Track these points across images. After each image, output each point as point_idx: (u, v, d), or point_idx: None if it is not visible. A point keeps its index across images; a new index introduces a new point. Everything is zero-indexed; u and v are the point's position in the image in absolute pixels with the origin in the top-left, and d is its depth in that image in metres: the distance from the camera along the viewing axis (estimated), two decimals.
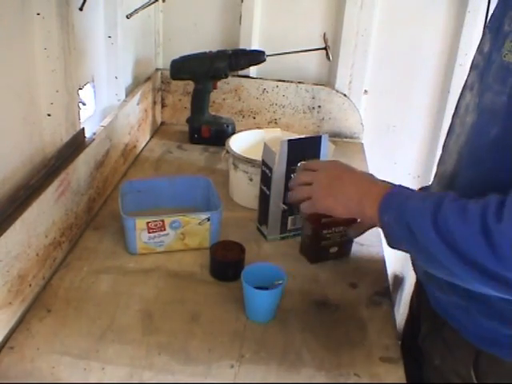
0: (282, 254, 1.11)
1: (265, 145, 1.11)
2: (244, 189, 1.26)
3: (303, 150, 1.09)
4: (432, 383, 0.93)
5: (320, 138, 1.10)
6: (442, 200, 0.71)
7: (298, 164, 1.06)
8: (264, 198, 1.13)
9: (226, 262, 1.02)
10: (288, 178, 1.08)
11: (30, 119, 0.99)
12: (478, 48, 0.82)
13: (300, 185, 0.94)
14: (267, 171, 1.10)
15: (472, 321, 0.81)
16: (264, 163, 1.11)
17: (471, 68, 0.84)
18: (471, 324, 0.82)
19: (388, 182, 0.85)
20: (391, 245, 0.79)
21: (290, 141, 1.06)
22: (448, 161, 0.86)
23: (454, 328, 0.85)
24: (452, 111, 0.91)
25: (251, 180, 1.23)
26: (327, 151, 1.11)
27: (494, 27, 0.77)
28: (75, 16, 1.08)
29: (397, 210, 0.76)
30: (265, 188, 1.12)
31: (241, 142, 1.30)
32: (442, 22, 1.61)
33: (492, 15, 0.80)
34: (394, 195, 0.79)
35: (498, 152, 0.72)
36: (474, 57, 0.84)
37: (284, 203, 1.11)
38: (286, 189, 1.07)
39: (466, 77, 0.87)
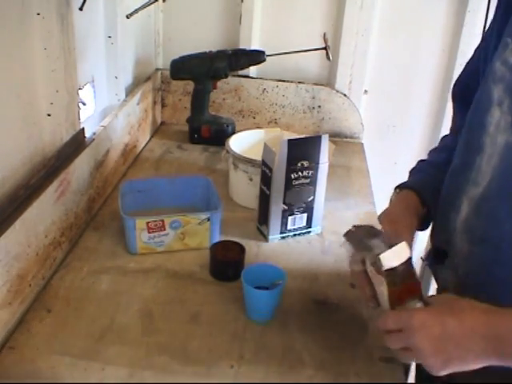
0: (282, 253, 1.11)
1: (265, 145, 1.11)
2: (244, 189, 1.26)
3: (303, 149, 1.09)
4: None
5: (320, 137, 1.10)
6: None
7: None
8: (264, 198, 1.13)
9: (226, 262, 1.02)
10: (288, 178, 1.09)
11: (30, 119, 0.99)
12: (500, 59, 0.76)
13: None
14: (267, 171, 1.10)
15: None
16: (264, 163, 1.12)
17: (494, 80, 0.77)
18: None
19: (492, 309, 0.72)
20: None
21: (289, 141, 1.06)
22: (481, 181, 0.79)
23: None
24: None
25: (251, 180, 1.23)
26: (327, 151, 1.11)
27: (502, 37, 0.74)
28: (75, 16, 1.08)
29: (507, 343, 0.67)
30: (265, 188, 1.12)
31: (241, 142, 1.30)
32: (441, 21, 1.61)
33: None
34: (492, 324, 0.69)
35: None
36: (496, 67, 0.77)
37: (284, 203, 1.11)
38: (286, 188, 1.10)
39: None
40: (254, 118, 1.71)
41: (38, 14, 0.95)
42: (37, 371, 0.80)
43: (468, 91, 0.89)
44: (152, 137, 1.64)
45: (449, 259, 0.87)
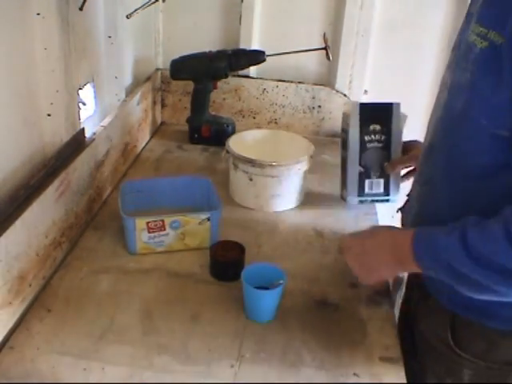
0: (282, 253, 1.11)
1: (343, 113, 1.23)
2: (244, 189, 1.26)
3: (375, 114, 1.22)
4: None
5: (392, 105, 1.23)
6: (464, 231, 0.75)
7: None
8: (343, 163, 1.24)
9: (225, 262, 1.02)
10: (362, 140, 1.21)
11: (30, 119, 0.99)
12: (460, 29, 0.88)
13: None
14: (344, 135, 1.22)
15: (448, 289, 0.85)
16: (342, 129, 1.24)
17: (453, 48, 0.89)
18: (447, 292, 0.87)
19: (402, 229, 0.92)
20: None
21: (361, 104, 1.21)
22: (428, 135, 0.93)
23: (436, 298, 0.91)
24: None
25: (251, 180, 1.23)
26: (399, 120, 1.23)
27: (468, 10, 0.84)
28: (75, 16, 1.08)
29: (431, 253, 0.79)
30: (343, 151, 1.23)
31: (241, 142, 1.30)
32: (441, 21, 1.61)
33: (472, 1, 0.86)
34: (419, 238, 0.81)
35: (463, 124, 0.80)
36: (458, 38, 0.88)
37: (360, 165, 1.22)
38: (361, 151, 1.21)
39: None
40: (254, 118, 1.71)
41: (38, 14, 0.95)
42: (37, 371, 0.80)
43: None
44: (152, 137, 1.64)
45: (408, 203, 1.03)
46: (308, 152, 1.26)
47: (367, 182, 1.22)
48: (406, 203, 1.07)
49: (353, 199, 1.24)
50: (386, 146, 1.21)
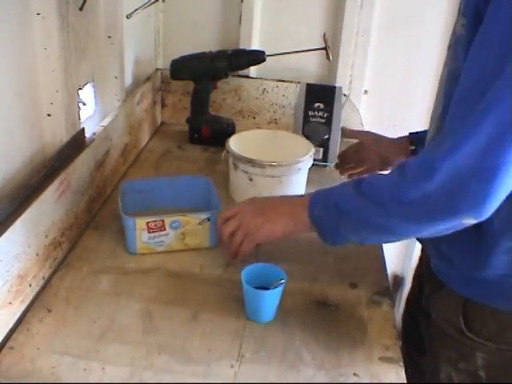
0: (282, 253, 1.11)
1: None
2: (244, 189, 1.26)
3: (320, 95, 1.45)
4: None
5: (335, 87, 1.47)
6: (361, 178, 0.86)
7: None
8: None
9: None
10: (306, 114, 1.46)
11: (31, 119, 0.99)
12: (453, 29, 0.90)
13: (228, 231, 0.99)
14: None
15: (457, 273, 0.90)
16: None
17: (447, 47, 0.93)
18: (457, 276, 0.91)
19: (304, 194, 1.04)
20: (326, 239, 0.90)
21: (308, 84, 1.46)
22: (430, 132, 0.96)
23: (444, 282, 0.93)
24: None
25: (251, 180, 1.23)
26: (341, 101, 1.43)
27: (460, 7, 0.85)
28: (75, 16, 1.08)
29: (323, 199, 0.89)
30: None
31: (241, 142, 1.30)
32: (441, 21, 1.61)
33: None
34: (319, 192, 0.92)
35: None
36: (451, 38, 0.91)
37: (303, 134, 1.46)
38: (305, 122, 1.46)
39: None
40: (254, 118, 1.71)
41: (38, 14, 0.95)
42: (37, 371, 0.80)
43: None
44: (152, 137, 1.64)
45: None
46: (308, 152, 1.27)
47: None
48: None
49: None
50: (327, 122, 1.46)
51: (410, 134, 1.23)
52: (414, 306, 1.14)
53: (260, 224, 0.95)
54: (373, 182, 0.85)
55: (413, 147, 1.19)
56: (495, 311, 0.88)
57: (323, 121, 1.45)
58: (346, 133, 1.35)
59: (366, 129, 1.69)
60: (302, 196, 0.99)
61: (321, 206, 0.89)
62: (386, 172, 0.89)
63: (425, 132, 1.14)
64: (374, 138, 1.29)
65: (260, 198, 1.02)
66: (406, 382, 0.84)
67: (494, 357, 0.92)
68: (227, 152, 1.27)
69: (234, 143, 1.28)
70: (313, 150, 1.29)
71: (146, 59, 1.64)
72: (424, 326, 1.06)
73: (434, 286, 0.97)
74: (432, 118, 0.96)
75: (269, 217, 0.95)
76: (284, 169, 1.23)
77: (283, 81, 1.67)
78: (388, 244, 1.16)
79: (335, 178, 1.35)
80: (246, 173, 1.24)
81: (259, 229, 0.95)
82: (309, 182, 1.31)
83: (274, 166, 1.22)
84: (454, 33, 0.87)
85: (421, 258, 1.17)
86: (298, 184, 1.28)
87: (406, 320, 1.22)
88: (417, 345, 1.10)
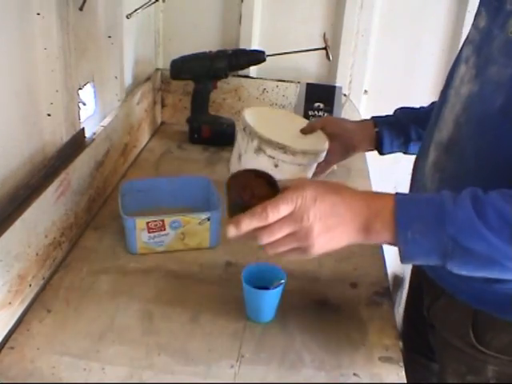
0: None
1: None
2: None
3: (320, 94, 1.44)
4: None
5: (335, 87, 1.48)
6: (477, 197, 0.69)
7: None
8: None
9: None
10: (306, 114, 1.46)
11: (30, 119, 0.99)
12: (474, 23, 0.86)
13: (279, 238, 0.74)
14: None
15: (466, 284, 0.83)
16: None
17: (466, 42, 0.87)
18: (465, 287, 0.85)
19: (379, 193, 0.77)
20: (408, 261, 0.72)
21: (308, 83, 1.46)
22: (444, 128, 0.87)
23: (450, 293, 0.89)
24: None
25: (276, 166, 1.12)
26: (340, 101, 1.44)
27: (491, 6, 0.81)
28: (75, 16, 1.08)
29: (424, 221, 0.69)
30: None
31: (260, 123, 1.14)
32: (441, 22, 1.61)
33: None
34: (408, 205, 0.72)
35: (503, 120, 0.76)
36: (470, 32, 0.87)
37: None
38: None
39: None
40: None
41: (38, 14, 0.95)
42: (37, 371, 0.80)
43: None
44: (152, 137, 1.64)
45: None
46: (325, 140, 1.17)
47: None
48: None
49: None
50: None
51: (373, 117, 1.20)
52: (415, 314, 1.10)
53: (324, 243, 0.73)
54: (506, 215, 0.67)
55: (376, 129, 1.15)
56: (507, 323, 0.84)
57: None
58: (306, 130, 1.18)
59: None
60: (370, 198, 0.74)
61: (418, 230, 0.69)
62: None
63: (387, 116, 1.18)
64: (335, 121, 1.23)
65: (325, 193, 0.73)
66: (406, 382, 0.84)
67: (505, 368, 0.88)
68: (245, 130, 1.12)
69: (256, 123, 1.13)
70: (326, 140, 1.18)
71: (146, 59, 1.64)
72: (426, 334, 1.03)
73: (433, 294, 0.95)
74: (442, 115, 0.89)
75: (337, 231, 0.73)
76: (312, 157, 1.14)
77: (283, 81, 1.67)
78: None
79: (335, 179, 1.35)
80: (273, 158, 1.12)
81: (322, 248, 0.73)
82: None
83: (305, 153, 1.11)
84: (492, 33, 0.80)
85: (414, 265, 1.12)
86: (311, 174, 1.19)
87: (406, 326, 1.19)
88: (417, 347, 1.09)
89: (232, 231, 0.73)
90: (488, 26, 0.81)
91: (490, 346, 0.87)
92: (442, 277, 0.89)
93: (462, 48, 0.89)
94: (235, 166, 1.16)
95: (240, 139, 1.15)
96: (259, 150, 1.14)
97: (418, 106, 1.21)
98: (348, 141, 1.17)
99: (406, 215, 0.70)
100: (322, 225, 0.71)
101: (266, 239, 0.73)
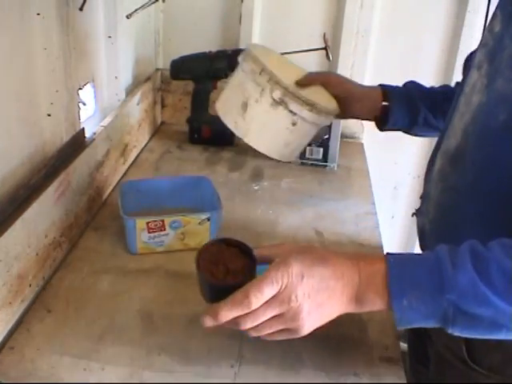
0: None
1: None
2: (277, 133, 1.00)
3: None
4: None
5: None
6: (478, 253, 0.64)
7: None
8: None
9: (228, 286, 0.70)
10: None
11: (30, 119, 0.99)
12: (489, 26, 0.81)
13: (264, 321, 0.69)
14: None
15: None
16: None
17: (480, 45, 0.83)
18: None
19: (369, 255, 0.72)
20: (405, 326, 0.68)
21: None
22: (453, 136, 0.84)
23: None
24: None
25: (294, 125, 0.98)
26: None
27: (507, 11, 0.77)
28: (75, 16, 1.08)
29: (420, 288, 0.65)
30: None
31: (278, 68, 0.99)
32: (441, 22, 1.61)
33: None
34: (401, 271, 0.67)
35: (505, 136, 0.73)
36: (484, 34, 0.82)
37: None
38: None
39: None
40: None
41: (38, 14, 0.95)
42: (37, 371, 0.80)
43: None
44: (152, 137, 1.64)
45: (424, 205, 0.94)
46: (333, 100, 1.07)
47: (308, 148, 1.45)
48: (420, 207, 0.98)
49: (296, 161, 1.48)
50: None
51: (382, 86, 1.11)
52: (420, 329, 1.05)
53: (315, 321, 0.69)
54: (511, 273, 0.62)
55: (385, 103, 1.07)
56: (499, 342, 0.76)
57: None
58: (303, 82, 1.04)
59: (367, 130, 1.69)
60: (369, 264, 0.69)
61: (414, 298, 0.65)
62: None
63: (398, 89, 1.11)
64: (339, 81, 1.11)
65: (312, 266, 0.68)
66: (406, 382, 0.84)
67: None
68: (268, 80, 0.95)
69: (274, 68, 0.96)
70: (333, 99, 1.08)
71: (145, 59, 1.64)
72: (426, 344, 1.01)
73: None
74: (452, 122, 0.86)
75: (327, 305, 0.68)
76: (330, 118, 1.04)
77: None
78: (388, 244, 1.16)
79: (335, 179, 1.35)
80: (294, 115, 0.96)
81: (312, 326, 0.70)
82: (308, 182, 1.31)
83: (327, 114, 1.00)
84: (501, 42, 0.76)
85: None
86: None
87: (411, 335, 1.16)
88: (419, 357, 1.07)
89: (209, 323, 0.68)
90: (501, 32, 0.76)
91: (483, 365, 0.83)
92: None
93: (476, 50, 0.85)
94: (236, 117, 0.97)
95: (250, 84, 0.96)
96: (280, 102, 0.96)
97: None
98: (349, 106, 1.08)
99: (400, 282, 0.66)
100: (311, 302, 0.67)
101: (250, 325, 0.69)
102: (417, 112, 1.08)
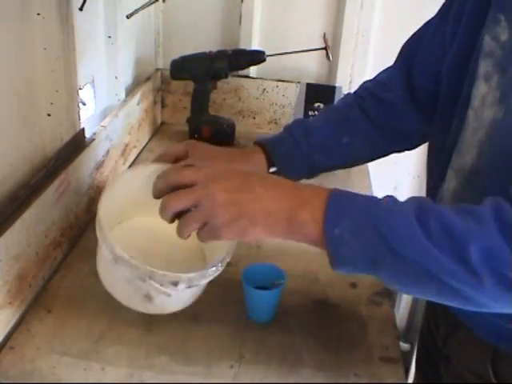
0: (282, 253, 1.11)
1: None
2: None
3: (320, 94, 1.44)
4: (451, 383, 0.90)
5: (335, 87, 1.47)
6: (423, 204, 0.62)
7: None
8: None
9: None
10: (306, 114, 1.45)
11: (30, 119, 0.99)
12: (490, 33, 0.74)
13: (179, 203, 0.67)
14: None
15: (484, 319, 0.77)
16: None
17: (482, 55, 0.76)
18: (484, 322, 0.79)
19: (313, 185, 0.68)
20: (338, 265, 0.67)
21: (308, 83, 1.44)
22: (466, 153, 0.78)
23: (467, 326, 0.82)
24: None
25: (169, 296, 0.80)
26: None
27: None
28: (75, 16, 1.08)
29: (355, 217, 0.62)
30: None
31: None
32: None
33: (505, 0, 0.73)
34: (342, 198, 0.64)
35: None
36: (485, 42, 0.75)
37: None
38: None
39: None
40: (254, 118, 1.71)
41: (38, 14, 0.95)
42: (37, 371, 0.80)
43: (413, 57, 0.96)
44: (152, 137, 1.64)
45: None
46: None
47: None
48: None
49: None
50: None
51: (260, 145, 0.92)
52: (430, 344, 0.99)
53: (229, 221, 0.64)
54: (456, 227, 0.59)
55: (272, 169, 0.92)
56: None
57: None
58: (161, 159, 0.87)
59: None
60: (301, 187, 0.68)
61: (349, 227, 0.62)
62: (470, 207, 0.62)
63: (278, 145, 0.93)
64: (201, 147, 0.89)
65: (234, 168, 0.69)
66: (405, 381, 0.84)
67: None
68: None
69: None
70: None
71: (145, 59, 1.64)
72: (439, 364, 0.94)
73: (449, 325, 0.88)
74: (463, 137, 0.78)
75: (246, 210, 0.64)
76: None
77: (283, 81, 1.67)
78: None
79: (335, 179, 1.35)
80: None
81: (228, 227, 0.65)
82: (308, 182, 1.30)
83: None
84: (496, 40, 0.72)
85: None
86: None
87: (421, 359, 1.06)
88: (429, 376, 1.01)
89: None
90: (510, 41, 0.71)
91: None
92: (461, 310, 0.80)
93: (476, 58, 0.77)
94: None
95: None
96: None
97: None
98: None
99: (337, 208, 0.63)
100: (225, 198, 0.64)
101: (173, 209, 0.68)
102: (311, 158, 0.95)
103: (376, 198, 0.65)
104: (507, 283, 0.57)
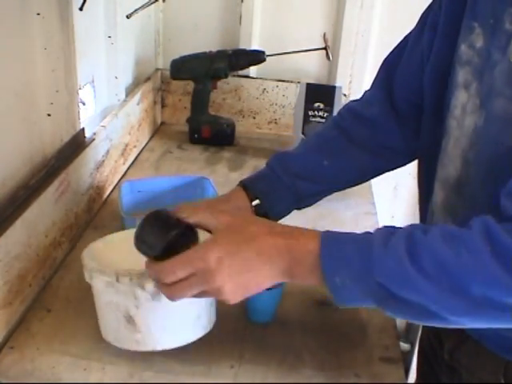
0: None
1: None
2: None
3: (320, 94, 1.44)
4: None
5: (335, 87, 1.47)
6: (413, 236, 0.62)
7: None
8: None
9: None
10: (306, 114, 1.45)
11: (30, 119, 0.99)
12: (465, 42, 0.75)
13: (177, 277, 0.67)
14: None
15: (494, 331, 0.72)
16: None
17: (459, 63, 0.76)
18: (494, 335, 0.76)
19: (305, 232, 0.69)
20: (343, 305, 0.68)
21: (308, 83, 1.45)
22: (449, 165, 0.78)
23: (476, 338, 0.81)
24: None
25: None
26: (341, 101, 1.43)
27: (487, 23, 0.71)
28: (75, 16, 1.08)
29: (351, 268, 0.63)
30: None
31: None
32: None
33: (476, 8, 0.73)
34: (334, 249, 0.65)
35: None
36: (461, 51, 0.75)
37: (303, 133, 1.44)
38: (305, 122, 1.44)
39: None
40: (254, 118, 1.71)
41: (38, 14, 0.95)
42: (37, 371, 0.80)
43: (394, 71, 0.95)
44: (152, 137, 1.64)
45: None
46: None
47: None
48: None
49: None
50: None
51: (242, 182, 0.95)
52: (433, 358, 0.95)
53: (240, 296, 0.70)
54: (450, 265, 0.59)
55: (256, 201, 0.92)
56: None
57: (323, 121, 1.45)
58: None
59: None
60: (303, 242, 0.68)
61: (348, 277, 0.64)
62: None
63: (254, 178, 0.95)
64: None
65: (237, 251, 0.68)
66: (405, 381, 0.84)
67: None
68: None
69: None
70: None
71: (145, 59, 1.64)
72: (441, 375, 0.92)
73: (456, 338, 0.85)
74: (445, 149, 0.78)
75: (251, 280, 0.69)
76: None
77: (283, 81, 1.67)
78: None
79: None
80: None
81: (239, 299, 0.70)
82: None
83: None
84: (489, 57, 0.70)
85: None
86: None
87: (422, 369, 1.03)
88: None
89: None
90: (487, 47, 0.70)
91: None
92: None
93: (454, 68, 0.77)
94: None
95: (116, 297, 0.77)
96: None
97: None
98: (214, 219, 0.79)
99: (331, 261, 0.64)
100: (232, 284, 0.67)
101: (177, 293, 0.69)
102: (296, 187, 0.92)
103: (365, 237, 0.65)
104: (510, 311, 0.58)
